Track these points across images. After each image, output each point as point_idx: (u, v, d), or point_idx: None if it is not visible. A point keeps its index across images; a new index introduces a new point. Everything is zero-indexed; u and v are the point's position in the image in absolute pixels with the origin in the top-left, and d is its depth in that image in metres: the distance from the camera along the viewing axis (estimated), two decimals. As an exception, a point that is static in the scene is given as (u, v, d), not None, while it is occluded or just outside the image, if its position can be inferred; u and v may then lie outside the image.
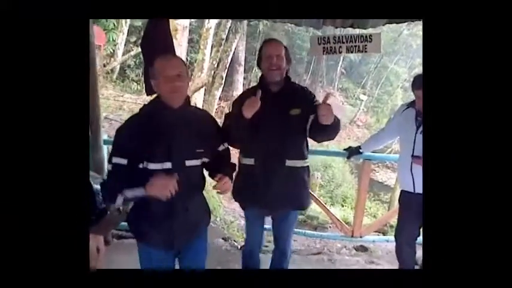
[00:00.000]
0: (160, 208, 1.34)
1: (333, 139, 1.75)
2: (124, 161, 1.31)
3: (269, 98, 1.65)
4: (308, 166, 1.79)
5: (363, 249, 3.24)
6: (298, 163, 1.72)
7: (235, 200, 1.87)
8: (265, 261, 2.37)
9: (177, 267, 1.52)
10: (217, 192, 1.44)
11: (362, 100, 16.76)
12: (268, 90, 1.69)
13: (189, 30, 7.17)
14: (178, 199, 1.30)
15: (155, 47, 2.05)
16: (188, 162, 1.37)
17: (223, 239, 3.21)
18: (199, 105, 7.66)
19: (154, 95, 1.42)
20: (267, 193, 1.69)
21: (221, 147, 1.53)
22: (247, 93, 1.72)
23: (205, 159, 1.44)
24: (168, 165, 1.32)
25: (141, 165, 1.31)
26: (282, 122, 1.66)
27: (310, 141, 1.78)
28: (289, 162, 1.68)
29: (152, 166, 1.31)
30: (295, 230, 2.18)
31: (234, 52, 8.53)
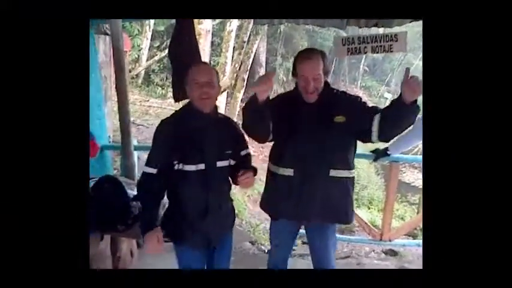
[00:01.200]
0: (196, 208, 1.43)
1: (406, 129, 1.58)
2: (154, 170, 1.40)
3: (307, 106, 1.59)
4: (354, 177, 1.67)
5: (392, 253, 3.16)
6: (343, 173, 1.62)
7: (267, 211, 1.80)
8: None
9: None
10: (240, 186, 1.47)
11: (386, 98, 16.34)
12: (304, 100, 1.61)
13: (212, 34, 7.27)
14: (212, 198, 1.43)
15: (182, 53, 2.10)
16: (219, 163, 1.45)
17: (250, 242, 3.23)
18: (222, 108, 7.73)
19: (187, 100, 1.50)
20: (307, 205, 1.61)
21: (243, 152, 1.57)
22: (279, 97, 1.70)
23: (232, 162, 1.50)
24: (201, 166, 1.41)
25: (176, 167, 1.39)
26: (324, 131, 1.57)
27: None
28: (333, 172, 1.60)
29: (187, 167, 1.40)
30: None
31: (255, 54, 8.56)
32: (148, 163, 1.42)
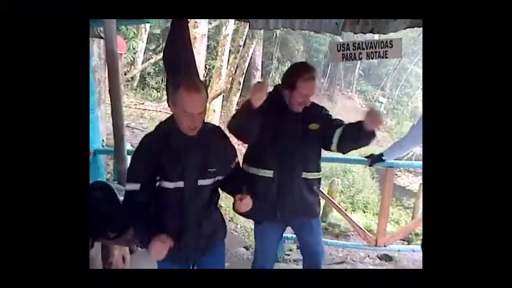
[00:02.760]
0: (174, 225, 1.38)
1: (360, 148, 1.77)
2: (137, 186, 1.34)
3: (286, 111, 1.70)
4: (320, 178, 1.84)
5: (387, 258, 3.15)
6: (313, 175, 1.77)
7: (249, 216, 1.82)
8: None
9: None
10: (239, 210, 1.45)
11: (381, 102, 16.47)
12: (285, 104, 1.71)
13: (207, 37, 7.26)
14: (191, 217, 1.39)
15: (176, 58, 2.08)
16: (200, 182, 1.40)
17: (244, 247, 3.20)
18: (218, 112, 7.71)
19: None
20: (287, 205, 1.71)
21: (233, 165, 1.55)
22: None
23: (219, 177, 1.45)
24: (180, 184, 1.36)
25: (157, 184, 1.35)
26: (300, 136, 1.70)
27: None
28: (304, 174, 1.73)
29: (166, 185, 1.35)
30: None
31: (251, 57, 8.57)
32: (130, 179, 1.36)
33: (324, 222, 4.70)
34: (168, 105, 1.46)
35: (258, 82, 1.60)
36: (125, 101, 7.92)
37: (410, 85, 17.19)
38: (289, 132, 1.69)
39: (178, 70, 2.02)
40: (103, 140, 3.14)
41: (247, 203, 1.40)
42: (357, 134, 1.65)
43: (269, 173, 1.69)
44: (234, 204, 1.45)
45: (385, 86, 17.82)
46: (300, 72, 1.66)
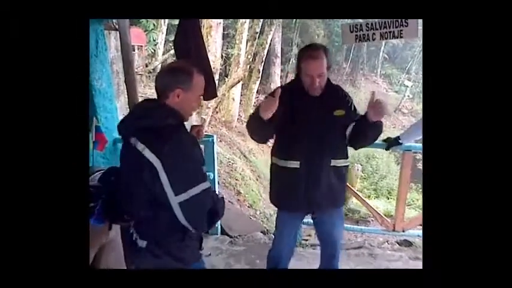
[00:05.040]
0: None
1: (371, 144, 1.77)
2: (205, 185, 1.19)
3: (310, 100, 1.65)
4: (348, 165, 1.80)
5: (407, 243, 3.10)
6: (341, 162, 1.72)
7: (276, 204, 1.85)
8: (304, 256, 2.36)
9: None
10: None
11: (407, 86, 15.86)
12: (307, 93, 1.66)
13: (225, 26, 7.25)
14: None
15: (187, 46, 2.11)
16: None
17: (262, 232, 3.26)
18: (237, 100, 7.75)
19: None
20: (314, 194, 1.68)
21: None
22: (281, 90, 1.73)
23: None
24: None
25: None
26: (326, 123, 1.65)
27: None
28: (334, 162, 1.69)
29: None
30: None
31: (270, 44, 8.49)
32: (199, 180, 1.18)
33: (344, 208, 4.68)
34: (172, 90, 1.24)
35: (267, 97, 1.56)
36: (147, 92, 8.12)
37: (439, 67, 16.42)
38: (313, 120, 1.64)
39: (188, 56, 2.05)
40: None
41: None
42: (363, 130, 1.61)
43: (296, 164, 1.66)
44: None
45: (411, 69, 17.12)
46: (302, 53, 1.64)
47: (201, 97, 1.31)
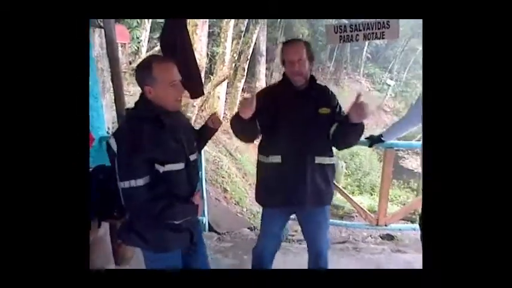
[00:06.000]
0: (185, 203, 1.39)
1: (353, 145, 1.79)
2: (145, 181, 1.26)
3: (295, 95, 1.68)
4: (334, 163, 1.80)
5: (389, 237, 3.21)
6: (326, 160, 1.73)
7: (259, 202, 1.86)
8: (289, 252, 2.41)
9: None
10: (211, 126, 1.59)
11: (389, 85, 16.22)
12: (293, 88, 1.70)
13: (210, 24, 7.23)
14: (190, 194, 1.39)
15: (173, 43, 2.10)
16: (191, 157, 1.42)
17: (249, 228, 3.30)
18: (222, 98, 7.75)
19: (138, 97, 1.36)
20: (297, 190, 1.68)
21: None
22: (267, 90, 1.77)
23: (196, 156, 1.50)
24: (182, 163, 1.35)
25: (162, 169, 1.29)
26: (310, 120, 1.67)
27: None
28: (318, 159, 1.69)
29: (175, 167, 1.33)
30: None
31: (255, 43, 8.53)
32: (130, 177, 1.25)
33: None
34: (143, 88, 1.32)
35: (245, 98, 1.61)
36: (131, 90, 8.01)
37: (420, 67, 16.86)
38: (297, 116, 1.66)
39: (174, 54, 2.05)
40: (108, 128, 3.23)
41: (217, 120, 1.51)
42: (347, 130, 1.63)
43: (277, 158, 1.68)
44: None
45: (393, 69, 17.52)
46: (284, 43, 1.75)
47: (176, 83, 1.31)
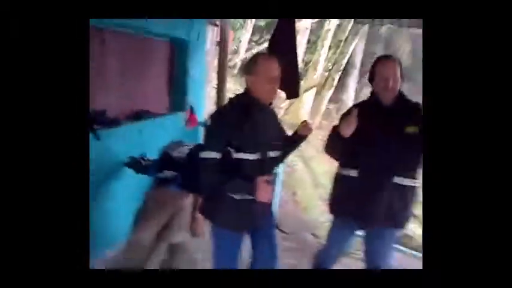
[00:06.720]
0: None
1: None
2: (217, 155, 1.42)
3: (382, 113, 1.68)
4: (417, 187, 1.71)
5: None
6: (407, 181, 1.66)
7: (331, 211, 1.89)
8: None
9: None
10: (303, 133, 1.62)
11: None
12: (381, 105, 1.69)
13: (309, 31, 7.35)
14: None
15: (281, 50, 2.26)
16: (271, 153, 1.54)
17: (312, 234, 3.34)
18: (309, 105, 7.82)
19: (244, 89, 1.53)
20: (368, 206, 1.67)
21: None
22: (355, 109, 1.75)
23: (278, 152, 1.60)
24: (258, 156, 1.47)
25: (234, 156, 1.43)
26: (394, 137, 1.64)
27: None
28: (397, 179, 1.65)
29: (246, 156, 1.44)
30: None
31: (350, 55, 8.38)
32: (207, 149, 1.44)
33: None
34: (246, 76, 1.51)
35: (346, 115, 1.63)
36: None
37: None
38: (381, 132, 1.64)
39: (280, 53, 2.19)
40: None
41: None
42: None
43: (353, 172, 1.69)
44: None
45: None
46: (378, 58, 1.73)
47: (274, 79, 1.46)
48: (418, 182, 1.69)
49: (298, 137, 1.66)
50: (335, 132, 1.63)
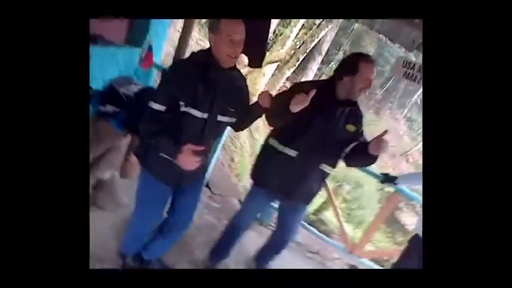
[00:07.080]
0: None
1: (361, 167, 1.95)
2: (162, 108, 1.41)
3: (333, 104, 1.76)
4: (329, 173, 1.92)
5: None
6: (328, 169, 1.86)
7: (253, 178, 1.97)
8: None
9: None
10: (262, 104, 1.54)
11: (420, 141, 15.86)
12: (335, 97, 1.76)
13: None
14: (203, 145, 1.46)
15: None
16: (220, 118, 1.51)
17: (238, 200, 3.47)
18: (267, 77, 7.81)
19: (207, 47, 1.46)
20: (293, 183, 1.82)
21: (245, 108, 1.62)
22: (312, 85, 1.75)
23: (233, 119, 1.57)
24: (205, 115, 1.45)
25: (183, 109, 1.40)
26: (336, 132, 1.77)
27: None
28: (323, 166, 1.83)
29: (193, 112, 1.42)
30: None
31: (319, 40, 8.45)
32: (157, 100, 1.40)
33: (315, 215, 4.89)
34: (209, 34, 1.44)
35: (300, 95, 1.56)
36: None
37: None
38: (327, 125, 1.75)
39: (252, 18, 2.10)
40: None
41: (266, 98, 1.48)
42: (361, 154, 1.74)
43: (294, 153, 1.77)
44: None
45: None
46: (361, 57, 1.73)
47: (236, 41, 1.38)
48: (334, 170, 1.90)
49: (257, 108, 1.58)
50: (282, 105, 1.59)
